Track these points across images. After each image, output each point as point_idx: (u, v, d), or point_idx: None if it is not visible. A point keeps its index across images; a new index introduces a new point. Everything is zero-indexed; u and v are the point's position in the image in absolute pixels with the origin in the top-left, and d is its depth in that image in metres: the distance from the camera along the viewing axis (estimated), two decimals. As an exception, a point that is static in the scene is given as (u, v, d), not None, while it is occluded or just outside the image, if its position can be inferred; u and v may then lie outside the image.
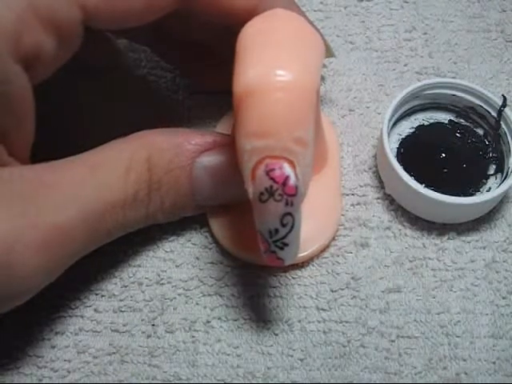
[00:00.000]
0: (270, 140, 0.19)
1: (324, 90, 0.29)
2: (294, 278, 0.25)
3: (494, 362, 0.23)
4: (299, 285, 0.25)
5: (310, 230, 0.24)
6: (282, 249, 0.20)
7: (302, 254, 0.25)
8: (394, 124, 0.28)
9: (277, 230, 0.20)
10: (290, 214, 0.19)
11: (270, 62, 0.20)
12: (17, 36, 0.19)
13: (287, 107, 0.19)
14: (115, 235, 0.23)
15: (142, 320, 0.25)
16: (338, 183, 0.27)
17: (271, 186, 0.19)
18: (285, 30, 0.21)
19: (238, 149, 0.20)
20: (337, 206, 0.26)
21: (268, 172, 0.19)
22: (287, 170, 0.19)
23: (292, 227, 0.20)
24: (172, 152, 0.23)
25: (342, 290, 0.25)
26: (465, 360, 0.23)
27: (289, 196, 0.19)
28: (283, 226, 0.20)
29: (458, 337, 0.24)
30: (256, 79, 0.19)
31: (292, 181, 0.19)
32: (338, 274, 0.25)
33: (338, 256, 0.26)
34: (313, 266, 0.26)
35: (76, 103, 0.28)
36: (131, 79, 0.31)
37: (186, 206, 0.25)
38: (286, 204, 0.19)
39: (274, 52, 0.20)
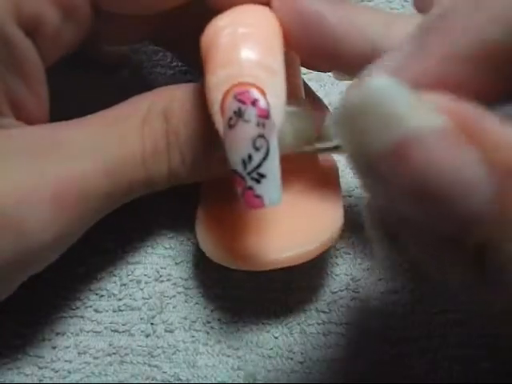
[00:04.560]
0: (234, 67, 0.19)
1: (324, 93, 0.29)
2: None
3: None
4: (298, 287, 0.25)
5: (313, 224, 0.23)
6: (258, 181, 0.18)
7: (307, 248, 0.22)
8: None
9: (250, 157, 0.18)
10: (262, 136, 0.18)
11: (234, 16, 0.20)
12: (17, 2, 0.19)
13: (252, 37, 0.19)
14: (139, 192, 0.22)
15: (141, 319, 0.25)
16: (336, 177, 0.26)
17: (239, 108, 0.18)
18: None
19: (206, 90, 0.19)
20: (338, 202, 0.25)
21: (236, 96, 0.18)
22: (255, 93, 0.18)
23: (267, 153, 0.18)
24: (191, 102, 0.22)
25: (342, 291, 0.25)
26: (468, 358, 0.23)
27: (260, 117, 0.18)
28: (256, 149, 0.18)
29: (460, 334, 0.24)
30: (223, 25, 0.20)
31: (262, 103, 0.18)
32: (336, 275, 0.25)
33: (337, 257, 0.26)
34: (311, 267, 0.25)
35: (75, 102, 0.28)
36: (131, 78, 0.31)
37: (208, 161, 0.23)
38: (258, 125, 0.18)
39: (237, 11, 0.20)
